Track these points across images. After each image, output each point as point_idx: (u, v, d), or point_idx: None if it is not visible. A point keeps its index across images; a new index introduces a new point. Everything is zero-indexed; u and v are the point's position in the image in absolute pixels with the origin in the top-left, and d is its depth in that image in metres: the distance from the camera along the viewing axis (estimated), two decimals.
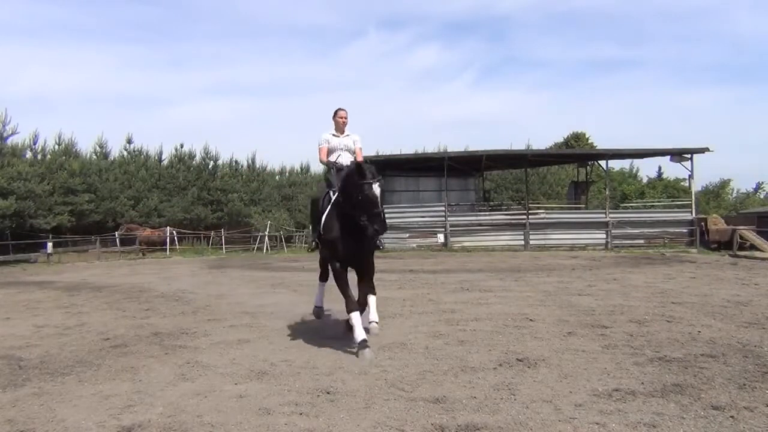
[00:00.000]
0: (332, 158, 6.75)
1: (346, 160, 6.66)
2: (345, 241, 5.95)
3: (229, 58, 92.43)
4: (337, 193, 6.12)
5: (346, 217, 5.87)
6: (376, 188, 5.60)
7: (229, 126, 79.61)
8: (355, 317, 5.81)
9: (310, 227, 7.73)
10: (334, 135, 6.88)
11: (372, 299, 6.44)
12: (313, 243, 6.97)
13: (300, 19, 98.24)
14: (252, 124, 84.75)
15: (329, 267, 6.54)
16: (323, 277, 7.30)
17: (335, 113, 6.91)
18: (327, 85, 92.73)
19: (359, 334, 5.69)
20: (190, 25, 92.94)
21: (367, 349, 5.53)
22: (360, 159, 6.66)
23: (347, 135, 6.93)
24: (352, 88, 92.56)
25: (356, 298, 6.15)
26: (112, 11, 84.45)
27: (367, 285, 6.37)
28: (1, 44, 73.91)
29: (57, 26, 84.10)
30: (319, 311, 7.39)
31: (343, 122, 6.90)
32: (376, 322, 6.49)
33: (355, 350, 5.63)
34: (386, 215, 5.73)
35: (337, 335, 6.60)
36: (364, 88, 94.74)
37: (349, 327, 6.11)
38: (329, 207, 6.20)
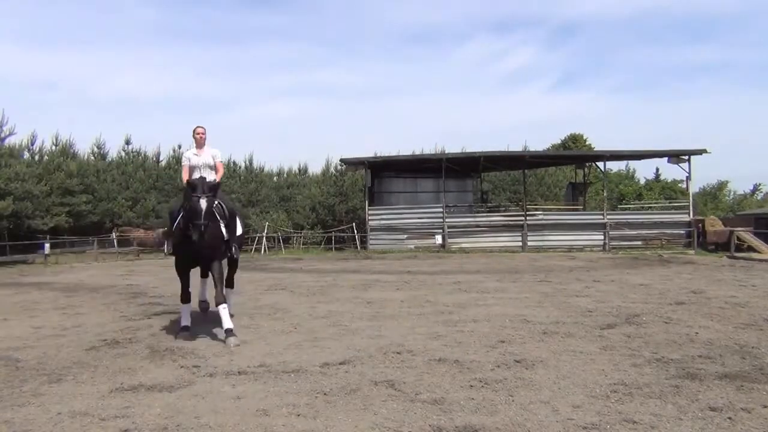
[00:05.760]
0: (195, 176, 6.97)
1: (209, 176, 7.00)
2: (185, 247, 6.60)
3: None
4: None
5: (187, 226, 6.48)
6: (203, 202, 6.28)
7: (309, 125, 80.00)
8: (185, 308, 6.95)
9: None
10: (195, 154, 7.20)
11: (221, 307, 6.61)
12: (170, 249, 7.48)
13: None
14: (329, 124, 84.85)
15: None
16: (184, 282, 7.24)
17: (194, 131, 7.21)
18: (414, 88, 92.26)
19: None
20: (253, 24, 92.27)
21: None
22: (220, 173, 7.21)
23: (206, 151, 7.20)
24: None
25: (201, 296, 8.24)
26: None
27: (216, 288, 6.73)
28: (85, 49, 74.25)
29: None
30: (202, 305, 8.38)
31: (201, 138, 7.19)
32: (228, 329, 6.53)
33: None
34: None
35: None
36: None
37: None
38: (179, 218, 6.78)
